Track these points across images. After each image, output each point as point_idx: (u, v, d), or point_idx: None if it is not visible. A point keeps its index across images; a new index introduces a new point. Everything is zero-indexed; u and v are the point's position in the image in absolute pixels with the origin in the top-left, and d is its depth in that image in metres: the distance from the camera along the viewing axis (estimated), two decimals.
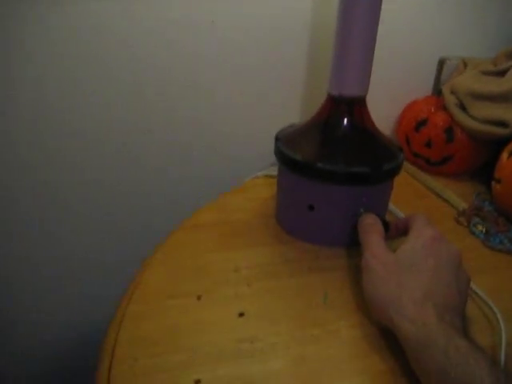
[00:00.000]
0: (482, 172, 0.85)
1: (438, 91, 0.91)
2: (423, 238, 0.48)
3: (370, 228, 0.53)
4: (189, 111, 0.80)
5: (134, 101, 0.76)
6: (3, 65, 0.67)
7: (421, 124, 0.83)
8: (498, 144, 0.77)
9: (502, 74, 0.81)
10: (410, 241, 0.49)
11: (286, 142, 0.61)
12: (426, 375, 0.39)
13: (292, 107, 0.86)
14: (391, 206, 0.67)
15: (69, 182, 0.80)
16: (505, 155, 0.71)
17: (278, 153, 0.61)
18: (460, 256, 0.48)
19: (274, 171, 0.77)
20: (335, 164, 0.56)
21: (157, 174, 0.85)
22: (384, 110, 0.62)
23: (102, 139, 0.78)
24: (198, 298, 0.51)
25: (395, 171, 0.59)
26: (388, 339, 0.47)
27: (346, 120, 0.60)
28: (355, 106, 0.60)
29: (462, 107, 0.81)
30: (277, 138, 0.63)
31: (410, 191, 0.80)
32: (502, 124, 0.75)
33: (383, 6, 0.55)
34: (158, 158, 0.83)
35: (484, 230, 0.69)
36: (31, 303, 0.92)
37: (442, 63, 0.90)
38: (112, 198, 0.85)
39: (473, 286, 0.53)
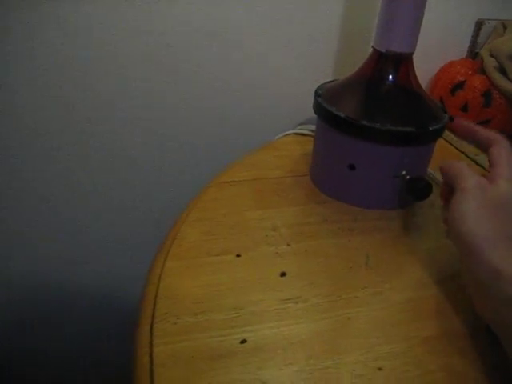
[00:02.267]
0: None
1: (473, 54, 0.88)
2: (469, 193, 0.42)
3: (462, 164, 0.46)
4: (217, 64, 0.76)
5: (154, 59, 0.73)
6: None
7: (457, 87, 0.80)
8: None
9: None
10: (508, 183, 0.42)
11: (327, 98, 0.58)
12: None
13: (326, 63, 0.83)
14: (429, 170, 0.65)
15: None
16: None
17: (319, 109, 0.58)
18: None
19: (304, 130, 0.76)
20: (380, 122, 0.53)
21: (189, 130, 0.82)
22: (418, 71, 0.59)
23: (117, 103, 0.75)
24: (238, 255, 0.50)
25: (439, 133, 0.57)
26: (432, 304, 0.46)
27: (391, 77, 0.57)
28: (402, 63, 0.57)
29: (502, 71, 0.78)
30: (317, 94, 0.60)
31: (444, 155, 0.77)
32: None
33: None
34: (189, 112, 0.80)
35: None
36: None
37: (479, 25, 0.87)
38: (141, 150, 0.83)
39: None
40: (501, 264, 0.37)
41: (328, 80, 0.67)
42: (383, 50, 0.56)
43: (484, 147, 0.47)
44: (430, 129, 0.55)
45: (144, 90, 0.75)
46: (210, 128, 0.83)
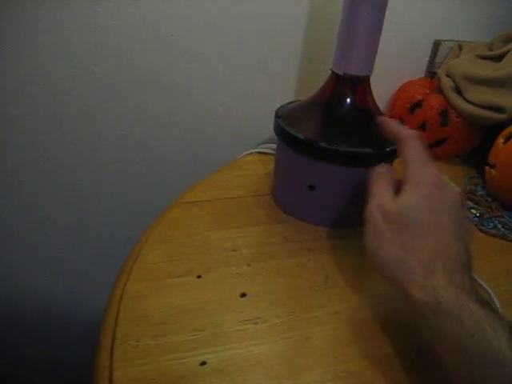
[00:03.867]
0: (473, 156, 0.85)
1: (431, 74, 0.91)
2: (424, 187, 0.43)
3: (380, 176, 0.49)
4: (181, 85, 0.77)
5: (127, 73, 0.73)
6: None
7: (416, 106, 0.82)
8: (491, 129, 0.77)
9: (498, 58, 0.80)
10: (409, 190, 0.44)
11: (287, 119, 0.60)
12: (441, 344, 0.37)
13: (288, 85, 0.84)
14: None
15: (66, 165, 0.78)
16: (500, 141, 0.72)
17: (279, 130, 0.59)
18: (459, 198, 0.45)
19: (267, 149, 0.77)
20: (338, 144, 0.55)
21: (147, 150, 0.83)
22: (377, 90, 0.61)
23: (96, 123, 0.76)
24: (199, 276, 0.50)
25: (396, 153, 0.58)
26: (390, 322, 0.47)
27: (349, 99, 0.59)
28: (359, 85, 0.59)
29: (458, 90, 0.80)
30: (277, 115, 0.61)
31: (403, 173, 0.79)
32: (497, 109, 0.75)
33: None
34: (149, 132, 0.81)
35: (478, 214, 0.69)
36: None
37: (437, 46, 0.90)
38: (102, 177, 0.83)
39: None
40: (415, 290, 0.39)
41: (289, 101, 0.68)
42: (341, 73, 0.58)
43: (399, 150, 0.48)
44: (387, 150, 0.56)
45: (116, 108, 0.76)
46: (173, 146, 0.83)
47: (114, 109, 0.76)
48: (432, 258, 0.39)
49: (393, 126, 0.50)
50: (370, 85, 0.60)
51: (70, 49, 0.68)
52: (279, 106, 0.65)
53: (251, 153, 0.79)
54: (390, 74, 0.89)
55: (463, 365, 0.35)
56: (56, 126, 0.74)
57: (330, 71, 0.60)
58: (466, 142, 0.83)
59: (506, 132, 0.72)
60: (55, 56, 0.68)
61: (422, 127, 0.82)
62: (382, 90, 0.89)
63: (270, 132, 0.63)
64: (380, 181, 0.48)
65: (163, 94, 0.77)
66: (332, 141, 0.55)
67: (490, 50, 0.84)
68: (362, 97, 0.59)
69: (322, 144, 0.54)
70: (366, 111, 0.60)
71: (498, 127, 0.74)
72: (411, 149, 0.47)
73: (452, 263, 0.39)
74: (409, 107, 0.83)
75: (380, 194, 0.46)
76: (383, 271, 0.42)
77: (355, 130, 0.58)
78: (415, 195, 0.43)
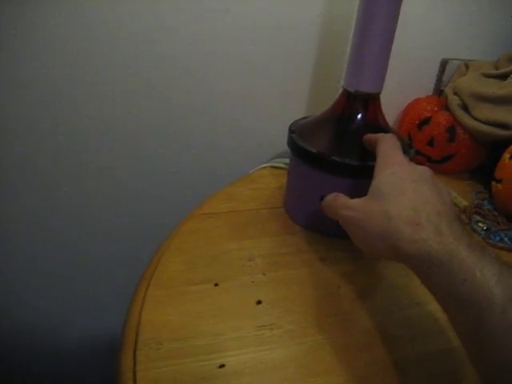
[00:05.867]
0: (480, 171, 0.87)
1: (439, 91, 0.93)
2: (391, 166, 0.46)
3: (333, 202, 0.52)
4: (196, 101, 0.80)
5: (136, 93, 0.76)
6: None
7: (424, 122, 0.85)
8: (497, 145, 0.79)
9: (503, 77, 0.83)
10: (378, 173, 0.47)
11: (300, 134, 0.62)
12: (438, 294, 0.38)
13: (299, 101, 0.87)
14: None
15: (74, 174, 0.80)
16: (506, 156, 0.74)
17: (293, 144, 0.62)
18: (432, 173, 0.46)
19: (279, 163, 0.79)
20: (349, 158, 0.57)
21: (162, 165, 0.85)
22: (387, 107, 0.63)
23: (103, 132, 0.78)
24: (216, 284, 0.52)
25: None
26: (401, 330, 0.49)
27: (360, 115, 0.61)
28: (370, 102, 0.61)
29: (465, 108, 0.83)
30: (291, 130, 0.64)
31: None
32: (503, 126, 0.77)
33: None
34: (162, 148, 0.83)
35: (485, 227, 0.71)
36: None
37: (444, 64, 0.92)
38: (119, 192, 0.86)
39: None
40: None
41: (302, 116, 0.71)
42: (352, 91, 0.60)
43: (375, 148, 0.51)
44: None
45: (132, 123, 0.78)
46: (190, 161, 0.86)
47: (129, 124, 0.79)
48: (416, 214, 0.40)
49: (373, 135, 0.54)
50: (380, 102, 0.62)
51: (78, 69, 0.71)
52: (292, 121, 0.68)
53: (264, 167, 0.82)
54: (399, 91, 0.92)
55: (459, 312, 0.36)
56: (66, 142, 0.77)
57: (341, 88, 0.62)
58: (473, 158, 0.85)
59: (511, 148, 0.74)
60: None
61: (430, 143, 0.84)
62: (392, 106, 0.92)
63: (282, 146, 0.65)
64: (335, 201, 0.51)
65: (179, 111, 0.80)
66: (343, 155, 0.57)
67: (496, 69, 0.87)
68: (373, 113, 0.62)
69: (334, 158, 0.57)
70: (376, 127, 0.62)
71: (504, 143, 0.77)
72: (383, 143, 0.51)
73: (436, 215, 0.40)
74: (417, 124, 0.86)
75: (343, 202, 0.49)
76: (378, 250, 0.44)
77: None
78: (384, 173, 0.46)
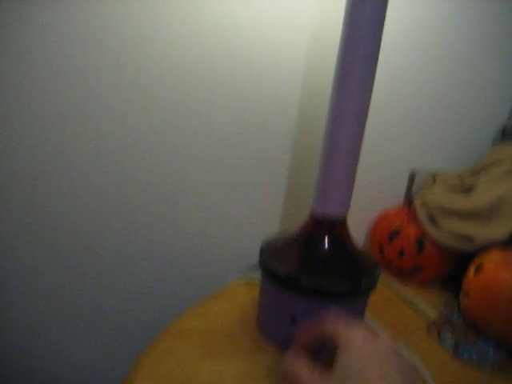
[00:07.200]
0: (450, 282, 0.90)
1: (409, 202, 0.97)
2: (356, 348, 0.45)
3: (295, 370, 0.48)
4: (176, 215, 0.83)
5: (120, 201, 0.79)
6: None
7: (394, 234, 0.88)
8: (465, 256, 0.83)
9: (468, 190, 0.88)
10: (342, 355, 0.45)
11: (270, 254, 0.65)
12: None
13: (273, 213, 0.90)
14: (367, 315, 0.71)
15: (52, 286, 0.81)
16: (472, 270, 0.76)
17: (263, 265, 0.64)
18: (395, 345, 0.46)
19: (252, 277, 0.81)
20: (317, 280, 0.59)
21: (138, 273, 0.87)
22: (358, 218, 0.67)
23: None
24: None
25: (372, 286, 0.63)
26: None
27: (327, 237, 0.64)
28: (337, 224, 0.64)
29: (433, 220, 0.86)
30: (262, 249, 0.66)
31: (382, 300, 0.83)
32: (468, 239, 0.81)
33: None
34: (139, 257, 0.86)
35: (453, 341, 0.72)
36: None
37: (412, 176, 0.97)
38: (93, 302, 0.87)
39: None
40: None
41: (276, 230, 0.74)
42: (319, 215, 0.64)
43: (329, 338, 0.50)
44: (363, 285, 0.61)
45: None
46: (163, 274, 0.88)
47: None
48: None
49: (319, 334, 0.53)
50: (346, 224, 0.65)
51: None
52: (266, 234, 0.70)
53: (239, 280, 0.84)
54: (370, 202, 0.96)
55: None
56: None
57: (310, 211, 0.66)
58: (442, 269, 0.88)
59: (476, 262, 0.77)
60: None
61: (401, 254, 0.87)
62: (363, 217, 0.96)
63: (256, 258, 0.67)
64: (297, 370, 0.48)
65: (149, 218, 0.83)
66: (311, 277, 0.59)
67: (461, 181, 0.91)
68: (339, 235, 0.65)
69: (302, 280, 0.59)
70: (343, 248, 0.65)
71: (471, 255, 0.80)
72: (331, 322, 0.51)
73: None
74: (388, 235, 0.89)
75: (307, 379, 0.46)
76: None
77: (333, 267, 0.63)
78: (350, 356, 0.45)
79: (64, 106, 0.69)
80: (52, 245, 0.77)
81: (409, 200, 0.98)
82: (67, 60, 0.67)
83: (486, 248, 0.79)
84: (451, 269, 0.89)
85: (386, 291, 0.87)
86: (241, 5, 0.71)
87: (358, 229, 0.67)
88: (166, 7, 0.69)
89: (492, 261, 0.74)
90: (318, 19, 0.76)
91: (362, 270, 0.64)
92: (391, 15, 0.79)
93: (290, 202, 0.90)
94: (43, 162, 0.71)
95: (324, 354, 0.54)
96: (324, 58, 0.79)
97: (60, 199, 0.75)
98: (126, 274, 0.86)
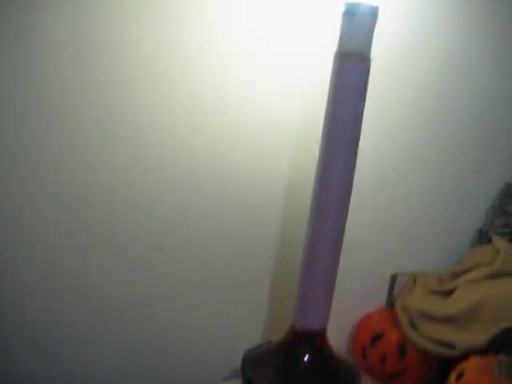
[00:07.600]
0: None
1: (391, 304, 0.99)
2: None
3: None
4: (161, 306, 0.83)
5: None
6: None
7: (376, 339, 0.89)
8: (447, 361, 0.83)
9: (448, 293, 0.90)
10: None
11: (251, 363, 0.66)
12: None
13: (255, 321, 0.91)
14: None
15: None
16: (453, 377, 0.77)
17: (244, 375, 0.65)
18: None
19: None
20: None
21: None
22: (340, 321, 0.68)
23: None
24: None
25: None
26: None
27: (307, 349, 0.66)
28: (317, 336, 0.66)
29: (413, 324, 0.88)
30: (244, 358, 0.67)
31: None
32: (449, 345, 0.82)
33: None
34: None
35: None
36: None
37: (393, 278, 0.99)
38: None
39: None
40: None
41: (258, 340, 0.75)
42: (299, 328, 0.65)
43: None
44: None
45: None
46: (145, 358, 0.86)
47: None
48: None
49: None
50: (326, 335, 0.67)
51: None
52: (248, 344, 0.71)
53: None
54: (352, 306, 0.97)
55: None
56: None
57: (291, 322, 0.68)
58: (424, 373, 0.88)
59: (457, 369, 0.77)
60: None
61: (383, 359, 0.88)
62: (345, 320, 0.96)
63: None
64: None
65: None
66: None
67: (441, 284, 0.94)
68: (319, 345, 0.67)
69: None
70: (323, 358, 0.66)
71: (455, 360, 0.81)
72: None
73: None
74: (370, 339, 0.90)
75: None
76: None
77: (314, 377, 0.64)
78: None
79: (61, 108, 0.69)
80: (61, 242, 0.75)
81: (391, 302, 0.99)
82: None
83: (467, 354, 0.80)
84: (433, 373, 0.90)
85: None
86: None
87: (341, 332, 0.68)
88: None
89: (472, 368, 0.75)
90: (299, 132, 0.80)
91: (342, 377, 0.65)
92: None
93: (271, 312, 0.90)
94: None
95: None
96: (305, 167, 0.82)
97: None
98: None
